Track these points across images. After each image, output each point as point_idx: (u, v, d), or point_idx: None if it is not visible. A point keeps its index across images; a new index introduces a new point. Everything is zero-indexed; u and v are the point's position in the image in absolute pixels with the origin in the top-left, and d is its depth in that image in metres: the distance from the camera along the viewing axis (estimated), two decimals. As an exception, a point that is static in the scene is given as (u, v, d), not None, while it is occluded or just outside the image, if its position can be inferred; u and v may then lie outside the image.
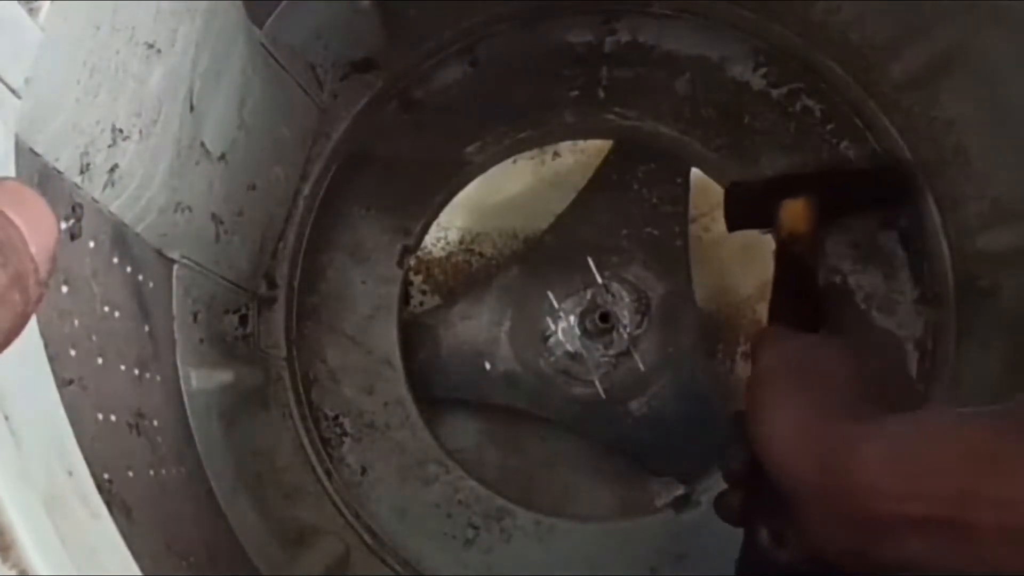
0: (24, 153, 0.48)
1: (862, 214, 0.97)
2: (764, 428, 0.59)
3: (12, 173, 0.39)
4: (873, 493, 0.50)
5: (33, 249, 0.30)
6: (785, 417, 0.58)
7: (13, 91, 0.39)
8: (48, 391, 0.37)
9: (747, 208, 0.95)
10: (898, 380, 0.70)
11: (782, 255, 0.86)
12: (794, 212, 0.86)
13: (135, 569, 0.36)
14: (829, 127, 1.00)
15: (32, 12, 0.38)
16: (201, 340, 0.78)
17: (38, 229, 0.30)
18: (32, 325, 0.38)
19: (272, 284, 0.94)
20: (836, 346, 0.66)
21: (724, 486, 0.71)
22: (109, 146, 0.56)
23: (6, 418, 0.31)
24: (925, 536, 0.48)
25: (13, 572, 0.29)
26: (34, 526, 0.29)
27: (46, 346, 0.48)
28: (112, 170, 0.58)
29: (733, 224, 0.97)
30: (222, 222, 0.80)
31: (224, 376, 0.81)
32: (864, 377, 0.61)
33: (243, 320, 0.89)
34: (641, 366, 1.03)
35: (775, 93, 1.01)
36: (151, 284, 0.69)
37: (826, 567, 0.58)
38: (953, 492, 0.47)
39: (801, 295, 0.83)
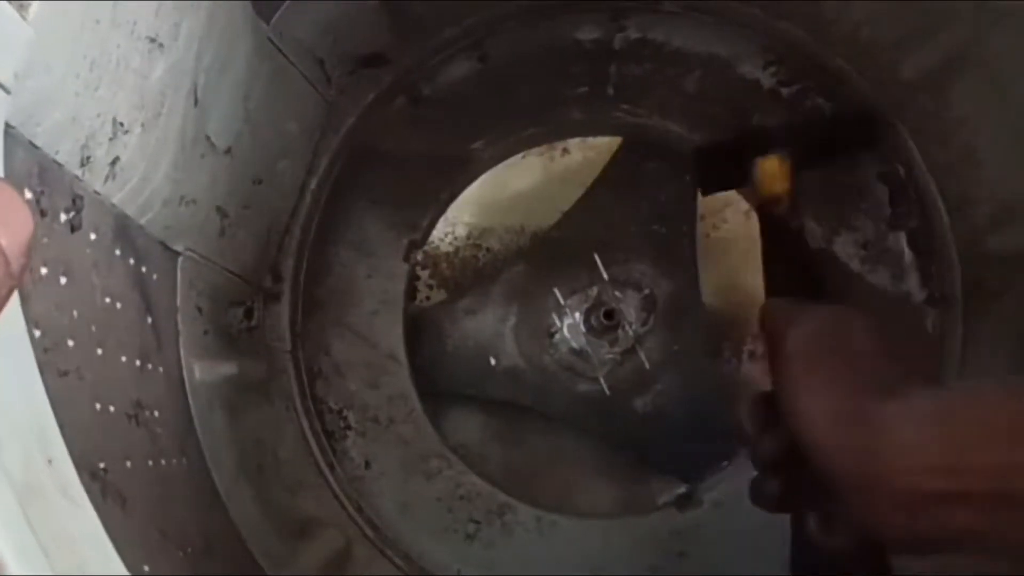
0: (23, 145, 0.49)
1: (830, 163, 0.95)
2: (799, 414, 0.58)
3: (1, 166, 0.40)
4: (915, 471, 0.50)
5: (3, 242, 0.30)
6: (821, 403, 0.57)
7: (2, 87, 0.40)
8: (30, 381, 0.37)
9: (718, 170, 0.91)
10: (913, 340, 0.69)
11: (764, 220, 0.83)
12: (770, 171, 0.82)
13: (116, 559, 0.36)
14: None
15: (22, 9, 0.39)
16: (205, 332, 0.79)
17: (9, 223, 0.31)
18: (14, 314, 0.38)
19: (277, 277, 0.94)
20: (856, 318, 0.64)
21: (728, 489, 0.70)
22: (110, 139, 0.57)
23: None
24: (973, 510, 0.48)
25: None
26: (2, 515, 0.30)
27: (42, 337, 0.49)
28: (113, 163, 0.58)
29: (706, 187, 0.94)
30: (227, 215, 0.80)
31: (228, 368, 0.82)
32: (888, 346, 0.61)
33: (248, 313, 0.89)
34: (646, 364, 1.03)
35: (784, 91, 1.01)
36: (155, 276, 0.70)
37: (879, 548, 0.57)
38: (995, 463, 0.47)
39: (792, 261, 0.80)
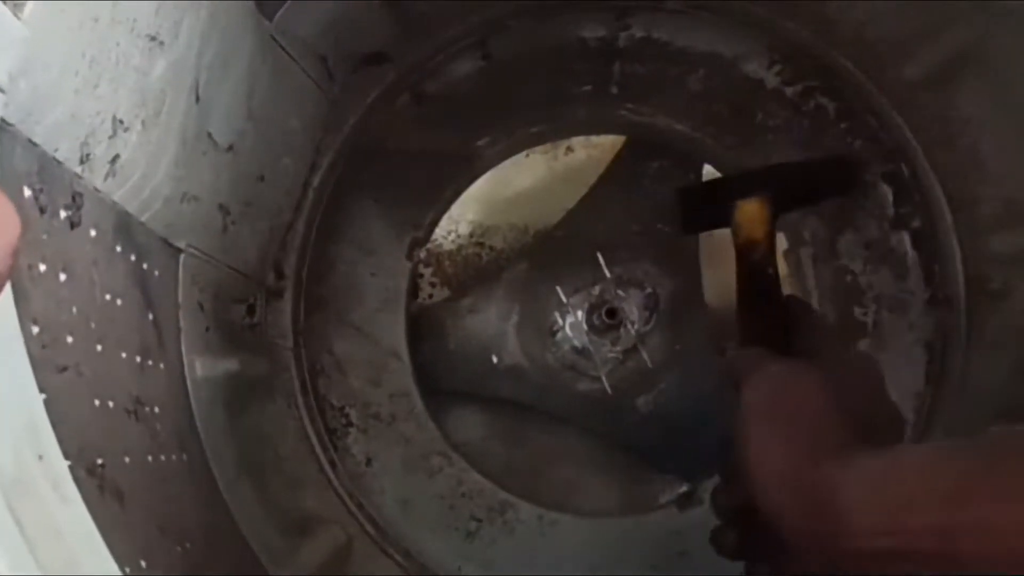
0: (22, 143, 0.49)
1: (809, 206, 0.96)
2: (752, 472, 0.60)
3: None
4: (857, 531, 0.52)
5: None
6: (770, 462, 0.59)
7: (-3, 88, 0.40)
8: (22, 377, 0.38)
9: (700, 211, 0.91)
10: (875, 399, 0.70)
11: (742, 266, 0.83)
12: (748, 215, 0.82)
13: (106, 554, 0.36)
14: (843, 125, 0.99)
15: (16, 9, 0.39)
16: (207, 329, 0.79)
17: None
18: (6, 312, 0.39)
19: (280, 275, 0.95)
20: (813, 376, 0.65)
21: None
22: (110, 137, 0.57)
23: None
24: (917, 566, 0.50)
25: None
26: None
27: (41, 333, 0.49)
28: (113, 160, 0.59)
29: (688, 228, 0.94)
30: (229, 212, 0.80)
31: (230, 365, 0.82)
32: (842, 406, 0.62)
33: (250, 310, 0.89)
34: (648, 363, 1.03)
35: (789, 91, 1.01)
36: (156, 272, 0.70)
37: None
38: (933, 525, 0.48)
39: (766, 309, 0.81)
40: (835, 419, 0.60)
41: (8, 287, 0.39)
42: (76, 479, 0.46)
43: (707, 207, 0.88)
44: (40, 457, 0.36)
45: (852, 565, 0.53)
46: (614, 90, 1.04)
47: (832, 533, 0.53)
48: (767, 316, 0.79)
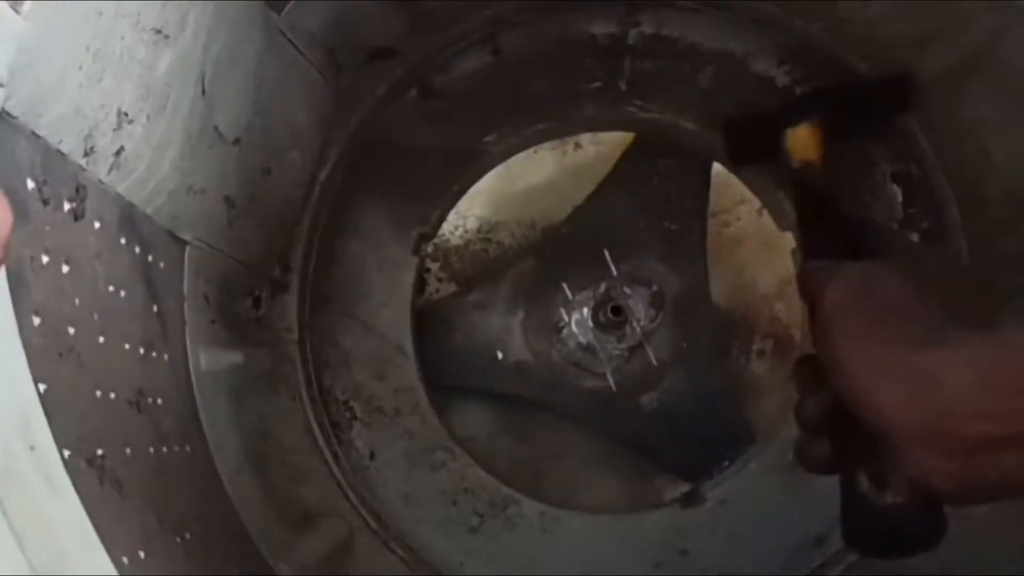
0: (25, 135, 0.49)
1: (868, 129, 0.95)
2: (846, 371, 0.57)
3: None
4: (964, 418, 0.50)
5: None
6: (865, 357, 0.57)
7: (-4, 82, 0.40)
8: (15, 369, 0.38)
9: (750, 142, 0.91)
10: (964, 286, 0.69)
11: (799, 188, 0.83)
12: (802, 140, 0.82)
13: (98, 546, 0.37)
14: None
15: (15, 4, 0.39)
16: (212, 321, 0.80)
17: None
18: (0, 303, 0.39)
19: (286, 268, 0.95)
20: (891, 271, 0.64)
21: (732, 487, 0.70)
22: (114, 130, 0.57)
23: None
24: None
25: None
26: None
27: (42, 324, 0.49)
28: (118, 153, 0.59)
29: (736, 159, 0.94)
30: (235, 205, 0.81)
31: (234, 357, 0.83)
32: (933, 297, 0.60)
33: (256, 302, 0.90)
34: (653, 360, 1.03)
35: (799, 90, 1.00)
36: (161, 264, 0.70)
37: (933, 501, 0.57)
38: None
39: (830, 224, 0.79)
40: (928, 307, 0.58)
41: (4, 279, 0.39)
42: (75, 469, 0.46)
43: (756, 136, 0.87)
44: (32, 448, 0.36)
45: (960, 456, 0.51)
46: (623, 87, 1.04)
47: (937, 421, 0.51)
48: (831, 233, 0.77)
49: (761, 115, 0.91)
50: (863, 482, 0.60)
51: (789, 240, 0.91)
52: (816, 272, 0.67)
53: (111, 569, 0.38)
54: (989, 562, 0.80)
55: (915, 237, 0.96)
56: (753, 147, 0.89)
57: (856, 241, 0.76)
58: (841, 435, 0.63)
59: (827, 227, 0.78)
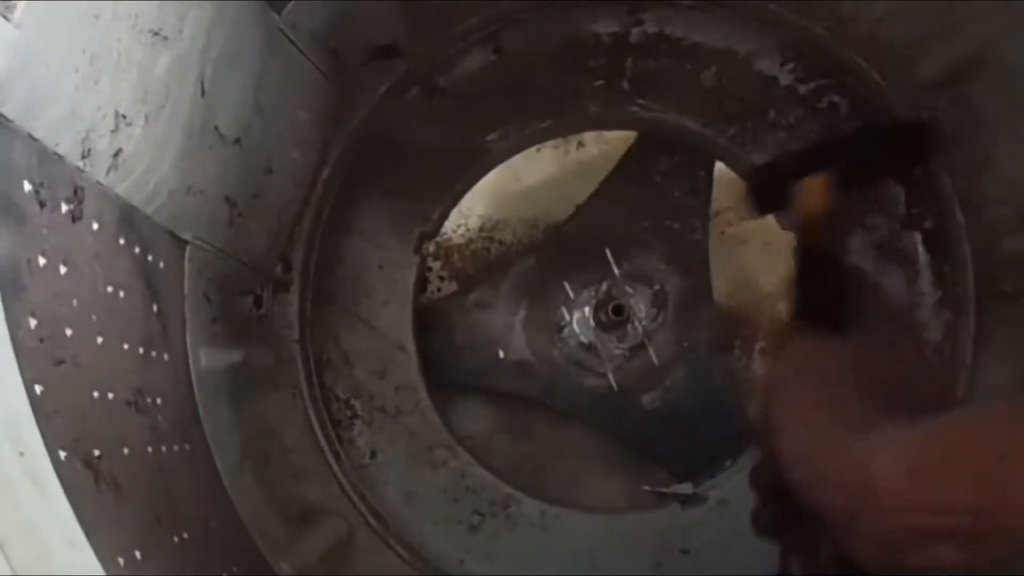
0: (22, 138, 0.49)
1: (885, 178, 0.95)
2: (782, 446, 0.58)
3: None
4: (890, 508, 0.50)
5: None
6: (801, 435, 0.57)
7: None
8: (5, 372, 0.38)
9: (768, 191, 0.91)
10: (925, 379, 0.69)
11: (801, 243, 0.83)
12: (813, 191, 0.82)
13: (86, 548, 0.37)
14: (856, 124, 0.98)
15: (7, 10, 0.39)
16: (213, 320, 0.80)
17: None
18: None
19: (288, 266, 0.95)
20: (852, 350, 0.64)
21: (732, 487, 0.70)
22: (112, 131, 0.57)
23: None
24: (953, 542, 0.48)
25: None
26: None
27: (39, 326, 0.50)
28: (116, 154, 0.59)
29: (762, 208, 0.93)
30: (236, 205, 0.81)
31: (235, 356, 0.83)
32: (881, 382, 0.60)
33: (257, 301, 0.90)
34: (655, 360, 1.03)
35: (802, 88, 1.00)
36: (161, 264, 0.71)
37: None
38: (972, 500, 0.47)
39: (823, 287, 0.80)
40: (874, 394, 0.58)
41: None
42: (70, 471, 0.47)
43: (773, 187, 0.88)
44: (21, 454, 0.36)
45: (886, 543, 0.51)
46: (626, 85, 1.03)
47: (872, 511, 0.50)
48: (822, 296, 0.78)
49: (780, 164, 0.92)
50: (794, 566, 0.65)
51: (791, 239, 0.91)
52: (783, 334, 0.68)
53: (99, 570, 0.38)
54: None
55: (918, 237, 0.96)
56: (772, 197, 0.90)
57: (845, 310, 0.77)
58: (784, 506, 0.64)
59: (820, 289, 0.79)
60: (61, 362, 0.51)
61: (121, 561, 0.48)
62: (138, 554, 0.52)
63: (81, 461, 0.50)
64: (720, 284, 1.07)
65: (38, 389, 0.45)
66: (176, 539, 0.60)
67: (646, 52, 1.02)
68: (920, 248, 0.96)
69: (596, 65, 1.03)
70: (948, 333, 0.94)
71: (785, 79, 1.00)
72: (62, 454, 0.46)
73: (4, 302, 0.43)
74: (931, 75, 0.89)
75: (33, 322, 0.49)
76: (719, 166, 1.07)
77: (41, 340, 0.49)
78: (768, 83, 1.00)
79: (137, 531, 0.54)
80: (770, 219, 1.02)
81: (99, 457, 0.52)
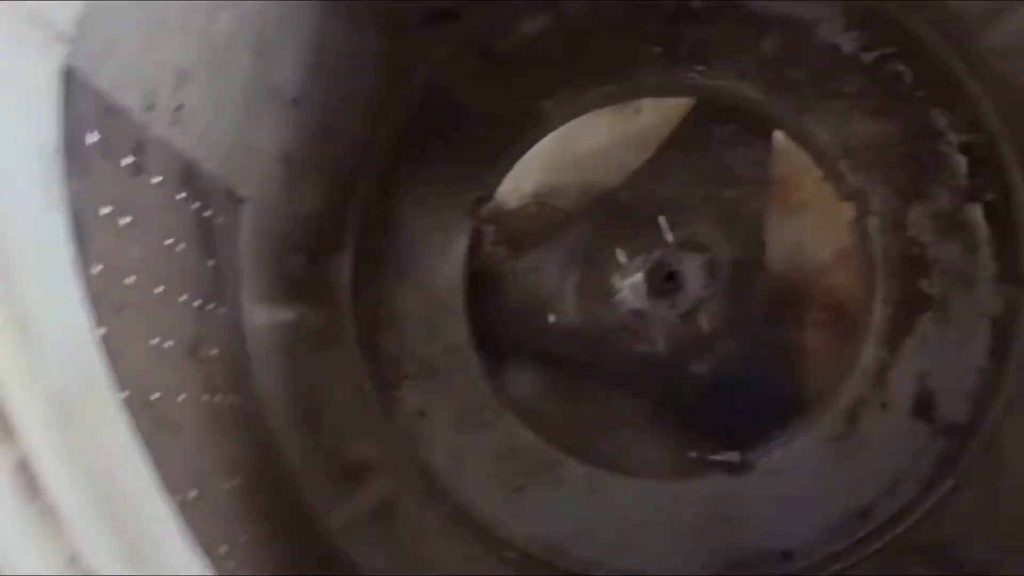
0: (88, 91, 0.51)
1: None
2: None
3: (56, 113, 0.42)
4: None
5: None
6: None
7: (61, 36, 0.42)
8: (74, 311, 0.40)
9: None
10: None
11: None
12: None
13: (141, 468, 0.39)
14: (919, 93, 0.96)
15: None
16: (267, 278, 0.82)
17: None
18: (63, 252, 0.41)
19: (341, 227, 0.96)
20: None
21: (780, 456, 0.67)
22: (175, 87, 0.59)
23: (28, 326, 0.34)
24: None
25: (14, 459, 0.32)
26: (38, 417, 0.32)
27: (102, 272, 0.52)
28: (178, 109, 0.61)
29: None
30: (293, 164, 0.82)
31: (288, 314, 0.85)
32: None
33: (311, 260, 0.92)
34: (706, 327, 1.02)
35: (865, 57, 0.98)
36: (219, 220, 0.73)
37: None
38: None
39: None
40: None
41: (69, 227, 0.41)
42: (131, 409, 0.48)
43: None
44: (88, 381, 0.38)
45: None
46: (684, 52, 1.02)
47: None
48: None
49: None
50: None
51: (847, 209, 0.90)
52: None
53: (157, 501, 0.40)
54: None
55: (979, 209, 0.94)
56: None
57: None
58: None
59: None
60: (123, 308, 0.53)
61: (178, 498, 0.50)
62: (194, 493, 0.54)
63: (140, 402, 0.51)
64: (775, 253, 1.06)
65: (101, 331, 0.47)
66: (227, 485, 0.62)
67: (706, 18, 1.00)
68: (981, 220, 0.94)
69: (655, 31, 1.02)
70: (1006, 308, 0.92)
71: (848, 47, 0.98)
72: (124, 394, 0.48)
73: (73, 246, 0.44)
74: (1000, 42, 0.86)
75: (98, 267, 0.50)
76: (778, 135, 1.05)
77: (105, 285, 0.51)
78: (830, 51, 0.98)
79: (194, 471, 0.56)
80: (828, 189, 1.01)
81: (157, 400, 0.54)
